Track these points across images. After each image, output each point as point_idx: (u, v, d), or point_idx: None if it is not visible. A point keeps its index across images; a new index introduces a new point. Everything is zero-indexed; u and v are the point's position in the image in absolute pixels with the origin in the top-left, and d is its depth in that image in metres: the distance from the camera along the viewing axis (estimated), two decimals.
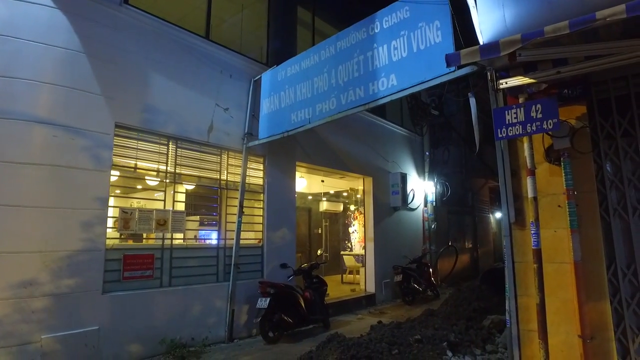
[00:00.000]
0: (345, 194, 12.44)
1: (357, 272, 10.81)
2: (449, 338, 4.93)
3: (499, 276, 5.82)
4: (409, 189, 10.88)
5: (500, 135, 3.40)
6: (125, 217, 5.21)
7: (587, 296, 3.24)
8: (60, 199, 4.61)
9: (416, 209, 11.50)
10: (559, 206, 3.44)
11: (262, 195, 7.16)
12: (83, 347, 4.59)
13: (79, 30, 4.93)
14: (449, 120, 13.51)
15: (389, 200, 10.52)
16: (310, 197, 12.73)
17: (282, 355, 5.40)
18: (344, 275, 11.54)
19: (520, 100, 3.46)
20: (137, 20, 5.55)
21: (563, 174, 3.35)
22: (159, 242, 5.65)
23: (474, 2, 3.65)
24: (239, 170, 6.71)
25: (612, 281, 3.36)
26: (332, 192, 12.52)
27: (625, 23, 2.72)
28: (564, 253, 3.38)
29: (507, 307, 3.70)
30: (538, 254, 3.34)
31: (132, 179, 5.73)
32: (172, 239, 5.74)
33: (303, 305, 6.46)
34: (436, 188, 12.15)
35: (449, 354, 4.56)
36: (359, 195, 10.78)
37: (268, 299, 5.92)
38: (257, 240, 7.04)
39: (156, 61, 5.70)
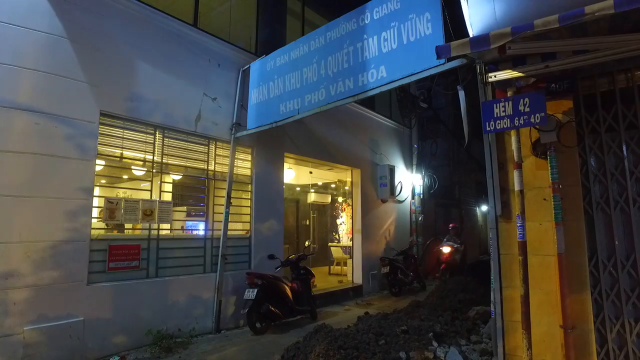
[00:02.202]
0: (333, 185, 12.47)
1: (345, 264, 10.86)
2: (435, 329, 4.99)
3: (485, 268, 5.92)
4: (396, 181, 10.94)
5: (488, 129, 3.42)
6: (111, 207, 5.13)
7: (569, 288, 3.31)
8: (43, 188, 4.50)
9: (404, 201, 11.58)
10: (545, 199, 3.50)
11: (250, 186, 7.12)
12: (67, 338, 4.53)
13: (62, 15, 4.78)
14: (437, 113, 13.58)
15: (377, 192, 10.56)
16: (298, 189, 12.71)
17: (270, 345, 5.42)
18: (332, 267, 11.61)
19: (509, 93, 3.49)
20: (123, 5, 5.40)
21: (549, 168, 3.40)
22: (146, 232, 5.58)
23: None
24: (227, 161, 6.65)
25: (593, 273, 3.44)
26: (320, 183, 12.52)
27: (612, 18, 2.75)
28: (548, 245, 3.44)
29: (492, 299, 3.77)
30: (523, 247, 3.40)
31: (118, 168, 5.64)
32: (158, 229, 5.67)
33: (290, 296, 6.48)
34: (424, 181, 12.24)
35: (435, 344, 4.62)
36: (347, 187, 10.80)
37: (255, 290, 5.91)
38: (245, 231, 7.01)
39: (142, 48, 5.58)
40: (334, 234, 12.18)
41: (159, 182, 5.80)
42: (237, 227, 6.92)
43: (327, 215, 13.08)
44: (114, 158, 5.44)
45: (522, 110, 3.27)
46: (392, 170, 10.72)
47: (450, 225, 12.07)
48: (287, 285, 6.58)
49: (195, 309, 5.91)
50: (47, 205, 4.52)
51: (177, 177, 6.53)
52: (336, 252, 11.45)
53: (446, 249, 11.03)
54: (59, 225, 4.60)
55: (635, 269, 3.30)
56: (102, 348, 4.85)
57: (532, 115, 3.22)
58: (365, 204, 10.02)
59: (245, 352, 5.19)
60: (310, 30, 6.07)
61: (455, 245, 11.17)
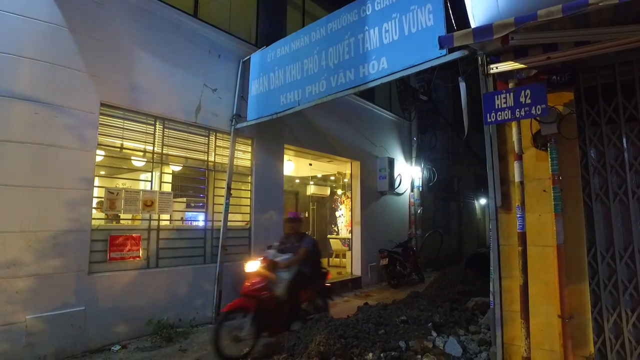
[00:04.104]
0: (332, 177, 12.46)
1: (344, 256, 10.92)
2: (434, 319, 5.04)
3: (483, 261, 5.96)
4: (396, 173, 10.95)
5: (489, 120, 3.43)
6: (111, 198, 5.14)
7: (567, 278, 3.34)
8: (43, 178, 4.50)
9: (403, 193, 11.61)
10: (544, 191, 3.52)
11: (249, 177, 7.13)
12: (69, 327, 4.57)
13: (62, 4, 4.74)
14: (437, 106, 13.56)
15: (376, 185, 10.58)
16: (297, 181, 12.70)
17: None
18: (331, 259, 11.65)
19: (510, 85, 3.49)
20: None
21: (549, 159, 3.42)
22: (146, 223, 5.59)
23: None
24: (227, 152, 6.65)
25: (592, 264, 3.47)
26: (319, 175, 12.52)
27: (616, 9, 2.74)
28: (547, 236, 3.47)
29: (491, 289, 3.80)
30: (523, 237, 3.42)
31: (118, 159, 5.63)
32: (159, 220, 5.69)
33: None
34: (423, 173, 12.26)
35: (434, 334, 4.67)
36: (346, 180, 10.82)
37: None
38: (245, 222, 7.03)
39: (143, 39, 5.54)
40: (333, 226, 12.22)
41: (159, 173, 5.81)
42: (237, 218, 6.94)
43: (326, 207, 13.09)
44: (114, 149, 5.44)
45: (523, 102, 3.27)
46: (391, 162, 10.73)
47: (289, 215, 5.84)
48: None
49: (195, 299, 5.94)
50: (48, 195, 4.53)
51: (177, 168, 6.53)
52: (335, 244, 11.50)
53: (251, 267, 5.29)
54: (60, 215, 4.61)
55: (633, 260, 3.34)
56: (103, 337, 4.89)
57: (533, 107, 3.22)
58: (364, 196, 10.04)
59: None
60: (311, 21, 6.04)
61: (280, 259, 4.90)
